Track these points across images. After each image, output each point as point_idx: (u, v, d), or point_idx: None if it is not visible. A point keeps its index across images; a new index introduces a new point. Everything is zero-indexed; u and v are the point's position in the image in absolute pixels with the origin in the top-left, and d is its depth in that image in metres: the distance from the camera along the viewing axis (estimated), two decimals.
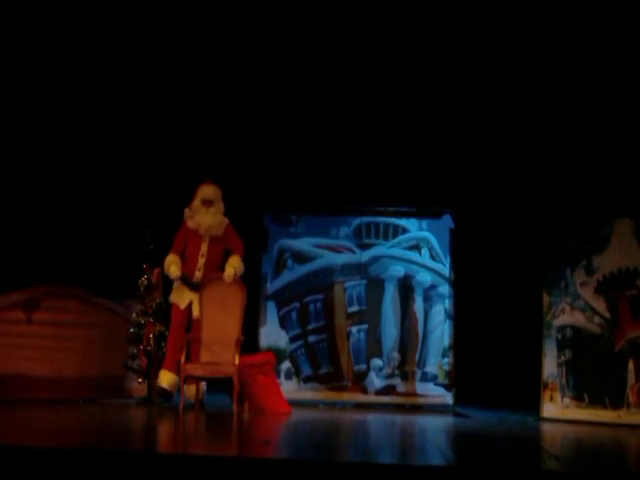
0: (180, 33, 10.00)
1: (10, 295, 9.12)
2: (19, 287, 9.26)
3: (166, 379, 8.94)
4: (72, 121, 10.56)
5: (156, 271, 9.62)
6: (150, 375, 9.41)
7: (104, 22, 9.76)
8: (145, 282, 9.60)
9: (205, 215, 9.07)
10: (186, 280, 9.02)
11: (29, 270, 9.40)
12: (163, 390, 8.95)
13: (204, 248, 9.08)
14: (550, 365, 9.26)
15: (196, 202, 9.09)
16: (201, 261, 9.07)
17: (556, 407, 9.10)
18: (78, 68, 10.27)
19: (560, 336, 9.22)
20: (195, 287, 8.99)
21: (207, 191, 9.12)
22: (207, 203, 9.09)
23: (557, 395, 9.14)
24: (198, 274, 9.04)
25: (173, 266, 9.03)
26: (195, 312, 8.96)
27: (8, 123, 9.97)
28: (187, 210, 9.13)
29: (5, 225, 9.96)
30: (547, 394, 9.25)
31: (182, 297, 9.07)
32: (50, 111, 10.33)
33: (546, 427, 8.51)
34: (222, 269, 8.99)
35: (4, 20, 9.51)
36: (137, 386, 9.65)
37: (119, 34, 9.92)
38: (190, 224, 9.09)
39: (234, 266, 8.95)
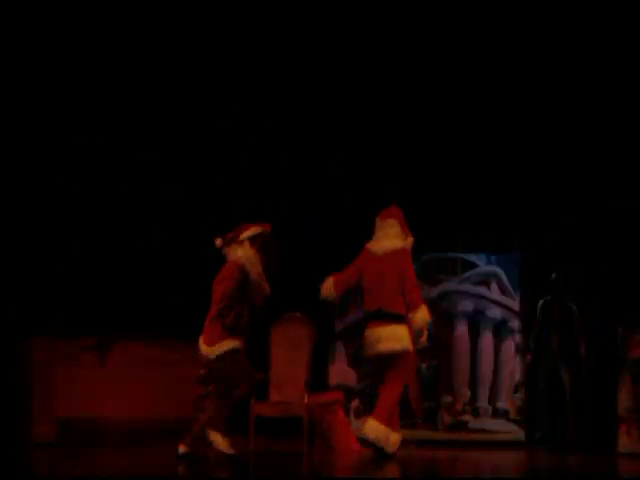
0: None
1: (83, 340, 9.36)
2: (92, 332, 9.48)
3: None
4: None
5: None
6: None
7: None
8: None
9: None
10: None
11: (100, 313, 9.57)
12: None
13: None
14: (626, 399, 9.15)
15: None
16: None
17: (632, 442, 8.97)
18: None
19: (635, 369, 9.12)
20: None
21: None
22: None
23: (634, 430, 9.01)
24: None
25: None
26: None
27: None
28: None
29: (75, 270, 10.15)
30: (623, 429, 9.11)
31: None
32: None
33: (622, 462, 8.36)
34: None
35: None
36: None
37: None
38: None
39: None
